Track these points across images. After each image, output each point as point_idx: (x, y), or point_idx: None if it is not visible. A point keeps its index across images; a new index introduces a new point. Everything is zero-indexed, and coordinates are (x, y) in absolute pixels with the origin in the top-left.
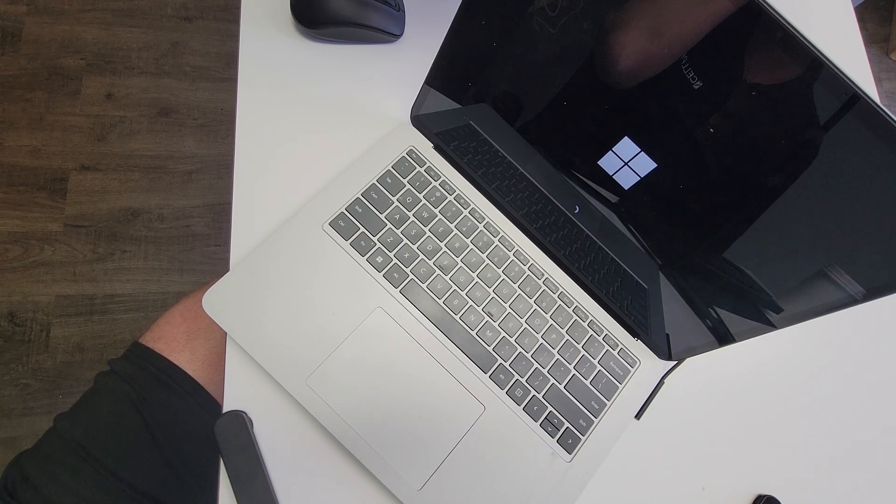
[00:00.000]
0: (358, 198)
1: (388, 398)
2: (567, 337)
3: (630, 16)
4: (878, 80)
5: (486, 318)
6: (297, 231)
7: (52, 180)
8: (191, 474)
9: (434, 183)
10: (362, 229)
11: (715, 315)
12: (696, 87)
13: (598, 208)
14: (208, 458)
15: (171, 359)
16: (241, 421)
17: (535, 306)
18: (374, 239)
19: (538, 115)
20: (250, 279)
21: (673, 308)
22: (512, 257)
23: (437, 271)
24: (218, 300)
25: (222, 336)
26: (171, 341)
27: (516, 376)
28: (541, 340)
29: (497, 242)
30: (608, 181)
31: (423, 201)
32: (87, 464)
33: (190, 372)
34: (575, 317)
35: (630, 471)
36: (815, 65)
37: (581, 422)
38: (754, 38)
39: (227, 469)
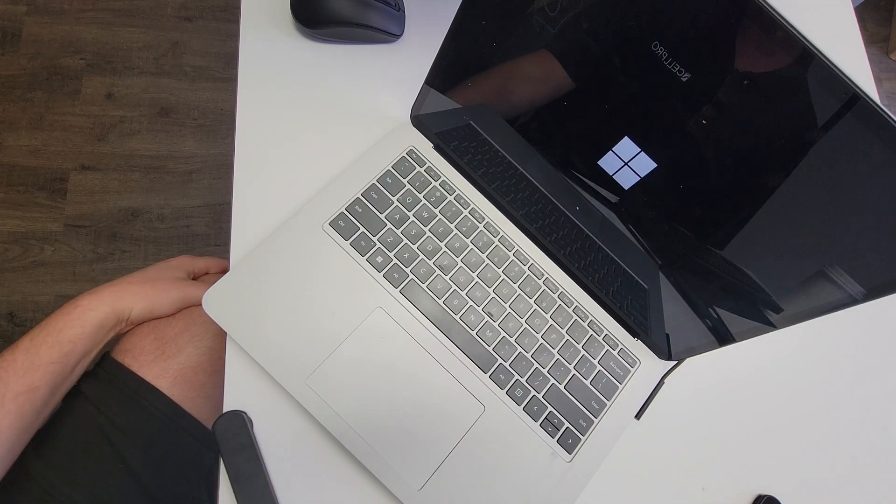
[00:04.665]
0: (358, 198)
1: (388, 398)
2: (567, 337)
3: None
4: (878, 80)
5: (486, 318)
6: (297, 231)
7: (52, 180)
8: (171, 498)
9: (434, 183)
10: (362, 229)
11: (715, 315)
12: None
13: (599, 208)
14: (190, 479)
15: (142, 374)
16: (241, 421)
17: (534, 306)
18: (374, 239)
19: (538, 114)
20: (250, 279)
21: (673, 308)
22: (512, 257)
23: (437, 271)
24: (218, 300)
25: (193, 349)
26: (138, 355)
27: (516, 376)
28: (541, 340)
29: (497, 242)
30: (608, 181)
31: (423, 201)
32: (54, 498)
33: (163, 389)
34: (575, 317)
35: (630, 471)
36: (815, 65)
37: (581, 422)
38: (754, 37)
39: (227, 469)
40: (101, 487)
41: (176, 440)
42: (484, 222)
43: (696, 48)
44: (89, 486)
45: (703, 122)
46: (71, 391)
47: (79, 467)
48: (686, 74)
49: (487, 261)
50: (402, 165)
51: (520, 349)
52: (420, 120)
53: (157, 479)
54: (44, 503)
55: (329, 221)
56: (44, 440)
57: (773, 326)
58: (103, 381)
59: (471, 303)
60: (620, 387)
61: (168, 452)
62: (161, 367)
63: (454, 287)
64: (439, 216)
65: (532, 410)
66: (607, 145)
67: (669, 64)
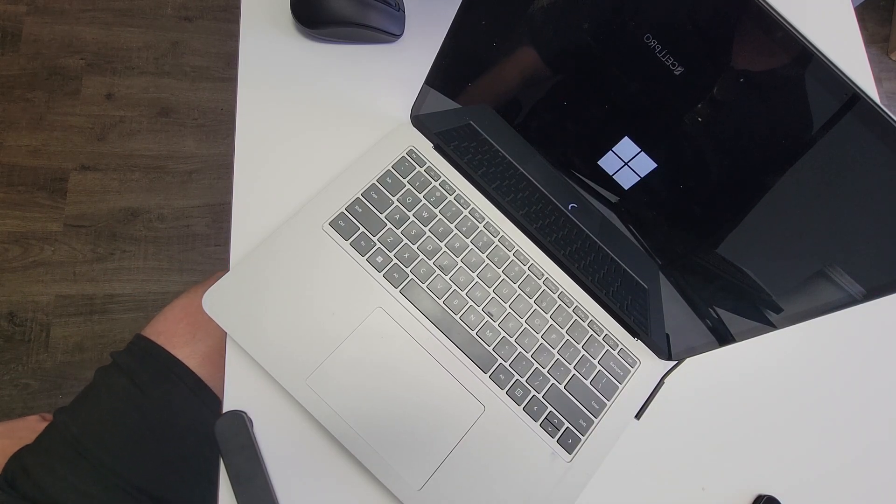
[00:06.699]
0: (358, 198)
1: (388, 398)
2: (567, 337)
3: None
4: (878, 80)
5: (486, 318)
6: (297, 231)
7: (52, 180)
8: (190, 470)
9: (434, 183)
10: (362, 229)
11: (715, 315)
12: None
13: (598, 208)
14: (208, 454)
15: (173, 353)
16: (241, 421)
17: (534, 306)
18: (374, 239)
19: (538, 115)
20: (250, 279)
21: (673, 308)
22: (512, 257)
23: (437, 271)
24: (218, 300)
25: (223, 333)
26: (171, 336)
27: (516, 376)
28: (541, 340)
29: (497, 242)
30: (608, 181)
31: (423, 201)
32: (85, 459)
33: (192, 367)
34: (575, 317)
35: (630, 471)
36: (815, 65)
37: (581, 422)
38: (753, 37)
39: (227, 469)
40: (127, 451)
41: (199, 414)
42: (484, 222)
43: (690, 44)
44: (117, 449)
45: (699, 119)
46: (104, 366)
47: (109, 432)
48: (679, 68)
49: (487, 261)
50: (402, 165)
51: (520, 349)
52: (420, 120)
53: (179, 448)
54: (75, 463)
55: (329, 221)
56: (81, 406)
57: (773, 326)
58: (136, 356)
59: (471, 303)
60: (620, 387)
61: (190, 425)
62: (191, 349)
63: (454, 287)
64: (439, 216)
65: (532, 410)
66: (607, 145)
67: (663, 56)
